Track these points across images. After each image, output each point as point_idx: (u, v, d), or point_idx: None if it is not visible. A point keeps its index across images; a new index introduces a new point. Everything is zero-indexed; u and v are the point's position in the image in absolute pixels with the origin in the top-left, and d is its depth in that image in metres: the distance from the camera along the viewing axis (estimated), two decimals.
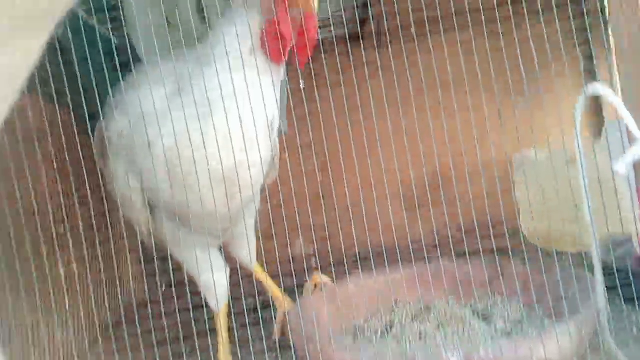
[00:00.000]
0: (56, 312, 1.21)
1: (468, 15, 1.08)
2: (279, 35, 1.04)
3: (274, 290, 1.50)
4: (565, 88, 1.52)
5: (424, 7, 1.09)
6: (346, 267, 1.23)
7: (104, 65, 1.08)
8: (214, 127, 1.03)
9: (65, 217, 1.28)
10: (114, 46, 1.52)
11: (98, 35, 1.52)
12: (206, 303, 1.30)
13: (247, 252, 1.43)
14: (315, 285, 1.43)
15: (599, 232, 1.55)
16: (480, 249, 1.16)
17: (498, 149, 1.26)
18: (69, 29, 1.07)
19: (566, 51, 1.16)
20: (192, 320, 1.20)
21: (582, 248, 1.71)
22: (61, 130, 1.12)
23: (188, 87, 1.05)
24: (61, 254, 1.17)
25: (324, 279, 1.43)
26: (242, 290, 1.16)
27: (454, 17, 1.08)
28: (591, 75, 2.03)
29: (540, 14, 1.12)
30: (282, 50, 1.05)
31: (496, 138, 1.29)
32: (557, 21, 1.12)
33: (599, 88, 0.82)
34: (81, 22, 1.39)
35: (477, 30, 1.16)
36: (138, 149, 1.08)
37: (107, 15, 1.30)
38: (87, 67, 1.08)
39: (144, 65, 1.17)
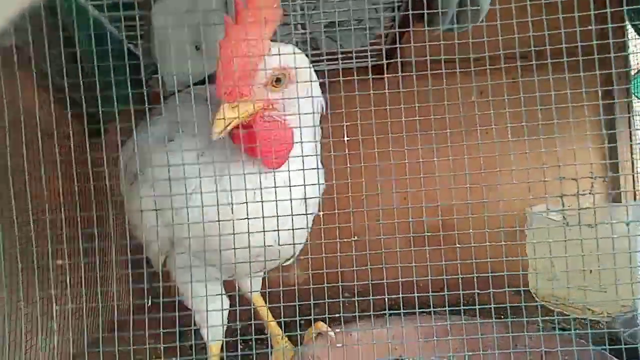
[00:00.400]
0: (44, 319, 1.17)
1: (487, 60, 1.06)
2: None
3: (273, 327, 1.46)
4: (582, 141, 1.47)
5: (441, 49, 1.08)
6: (340, 303, 1.18)
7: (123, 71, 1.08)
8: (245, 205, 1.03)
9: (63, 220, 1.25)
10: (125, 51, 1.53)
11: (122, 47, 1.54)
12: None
13: (249, 283, 1.42)
14: (318, 334, 1.38)
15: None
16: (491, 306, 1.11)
17: (509, 201, 1.21)
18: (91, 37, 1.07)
19: (588, 107, 1.12)
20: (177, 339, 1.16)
21: (591, 315, 1.66)
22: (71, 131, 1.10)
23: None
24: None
25: (324, 327, 1.38)
26: (238, 322, 1.13)
27: (471, 61, 1.06)
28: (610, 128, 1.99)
29: (565, 68, 1.09)
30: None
31: (508, 189, 1.24)
32: (582, 76, 1.10)
33: None
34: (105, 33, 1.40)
35: (495, 76, 1.13)
36: (168, 205, 1.08)
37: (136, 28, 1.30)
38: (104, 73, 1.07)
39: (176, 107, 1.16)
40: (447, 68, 1.07)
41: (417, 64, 1.07)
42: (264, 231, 1.04)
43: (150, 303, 1.54)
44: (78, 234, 1.13)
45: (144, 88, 1.06)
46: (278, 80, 1.05)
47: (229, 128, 0.99)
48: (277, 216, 1.04)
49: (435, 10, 1.20)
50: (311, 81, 1.10)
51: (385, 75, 1.66)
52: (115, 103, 1.07)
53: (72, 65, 1.12)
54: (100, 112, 1.09)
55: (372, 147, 1.09)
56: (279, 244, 1.09)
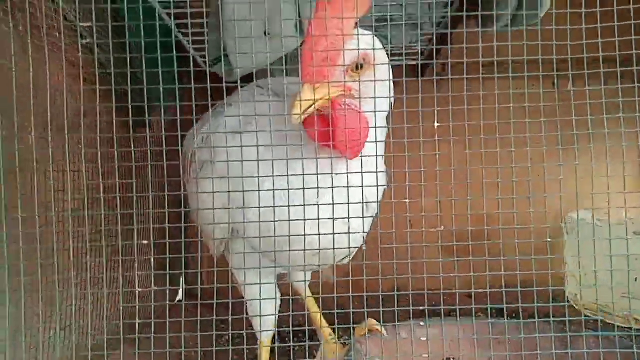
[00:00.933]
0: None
1: (540, 65, 1.03)
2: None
3: (323, 326, 1.48)
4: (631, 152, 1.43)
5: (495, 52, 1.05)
6: (381, 309, 1.17)
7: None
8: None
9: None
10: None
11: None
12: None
13: (304, 281, 1.45)
14: (370, 331, 1.38)
15: None
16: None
17: (551, 205, 1.18)
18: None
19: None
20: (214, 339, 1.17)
21: (636, 324, 1.62)
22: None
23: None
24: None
25: (376, 325, 1.38)
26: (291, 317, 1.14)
27: (526, 64, 1.03)
28: None
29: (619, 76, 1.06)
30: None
31: (551, 192, 1.21)
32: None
33: None
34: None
35: (546, 84, 1.10)
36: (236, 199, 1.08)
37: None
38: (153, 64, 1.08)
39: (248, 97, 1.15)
40: (487, 72, 1.05)
41: (461, 66, 1.03)
42: (333, 233, 1.04)
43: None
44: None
45: (208, 74, 1.06)
46: (358, 67, 1.02)
47: (309, 111, 0.97)
48: (349, 218, 1.04)
49: (490, 13, 1.16)
50: (388, 79, 1.09)
51: (429, 77, 1.62)
52: (162, 97, 1.08)
53: (120, 54, 1.14)
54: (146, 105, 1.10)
55: (413, 150, 1.07)
56: (348, 245, 1.08)
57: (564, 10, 1.03)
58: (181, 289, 1.90)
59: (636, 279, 1.23)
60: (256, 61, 1.12)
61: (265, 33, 1.12)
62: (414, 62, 1.78)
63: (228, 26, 1.14)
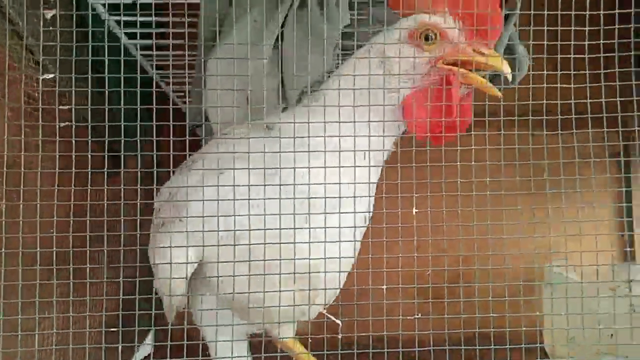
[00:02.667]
0: None
1: (515, 116, 1.06)
2: (442, 108, 0.97)
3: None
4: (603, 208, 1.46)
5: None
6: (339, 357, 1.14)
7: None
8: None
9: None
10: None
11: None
12: None
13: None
14: None
15: None
16: None
17: (527, 255, 1.19)
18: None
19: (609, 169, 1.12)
20: None
21: None
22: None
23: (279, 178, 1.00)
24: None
25: None
26: None
27: (502, 116, 1.05)
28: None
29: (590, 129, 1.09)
30: (429, 125, 0.99)
31: (527, 243, 1.22)
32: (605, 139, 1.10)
33: None
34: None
35: (521, 135, 1.12)
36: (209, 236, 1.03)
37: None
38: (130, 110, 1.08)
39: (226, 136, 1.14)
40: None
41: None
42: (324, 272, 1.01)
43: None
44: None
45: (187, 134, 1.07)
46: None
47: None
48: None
49: None
50: None
51: None
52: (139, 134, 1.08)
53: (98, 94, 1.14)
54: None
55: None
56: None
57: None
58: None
59: (611, 335, 1.23)
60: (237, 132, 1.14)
61: (247, 101, 1.15)
62: None
63: (210, 95, 1.16)
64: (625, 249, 2.01)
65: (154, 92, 1.08)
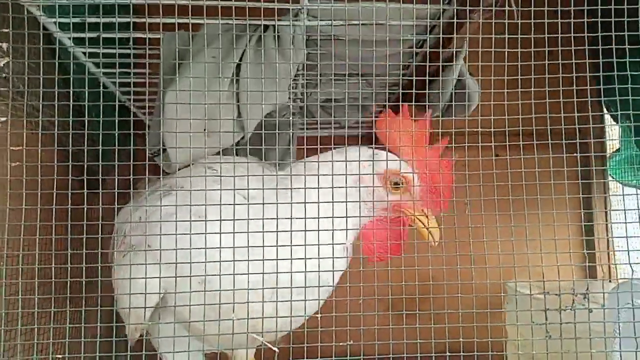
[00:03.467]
0: None
1: (479, 136, 1.13)
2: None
3: None
4: (564, 225, 1.53)
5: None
6: None
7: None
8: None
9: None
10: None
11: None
12: None
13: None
14: None
15: None
16: None
17: (493, 272, 1.24)
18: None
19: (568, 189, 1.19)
20: None
21: None
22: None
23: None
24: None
25: None
26: None
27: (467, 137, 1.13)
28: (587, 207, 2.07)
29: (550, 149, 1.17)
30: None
31: (494, 260, 1.28)
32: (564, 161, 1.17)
33: None
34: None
35: (485, 153, 1.20)
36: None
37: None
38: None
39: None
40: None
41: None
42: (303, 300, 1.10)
43: None
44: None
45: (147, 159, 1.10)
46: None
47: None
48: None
49: (423, 104, 1.33)
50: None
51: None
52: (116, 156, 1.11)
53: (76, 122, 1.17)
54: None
55: None
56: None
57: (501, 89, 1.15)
58: None
59: (568, 351, 1.28)
60: (193, 156, 1.21)
61: (204, 130, 1.21)
62: (355, 133, 1.90)
63: (168, 123, 1.20)
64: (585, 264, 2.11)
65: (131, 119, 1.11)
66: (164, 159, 1.35)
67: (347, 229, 1.18)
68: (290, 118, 1.57)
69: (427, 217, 1.21)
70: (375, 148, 1.23)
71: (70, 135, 1.14)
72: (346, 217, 1.14)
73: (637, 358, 1.01)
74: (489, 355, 1.26)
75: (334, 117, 1.54)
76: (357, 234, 1.24)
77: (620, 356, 1.25)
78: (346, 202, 1.12)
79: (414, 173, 1.20)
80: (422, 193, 1.20)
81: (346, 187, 1.13)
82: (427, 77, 1.31)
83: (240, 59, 1.23)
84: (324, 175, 1.12)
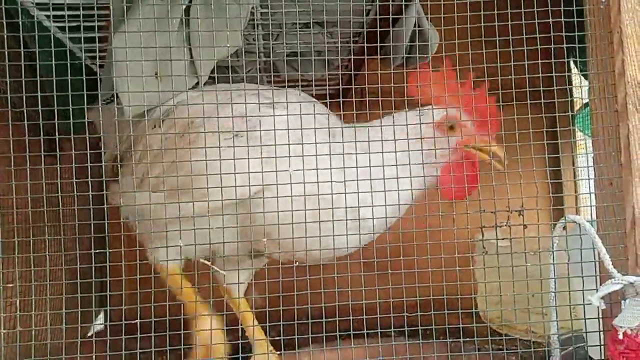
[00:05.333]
0: None
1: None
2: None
3: (258, 331, 1.42)
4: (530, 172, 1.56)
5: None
6: (295, 328, 1.19)
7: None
8: None
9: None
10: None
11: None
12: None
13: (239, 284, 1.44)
14: None
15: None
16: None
17: (461, 224, 1.26)
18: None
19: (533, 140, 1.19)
20: None
21: (533, 337, 1.73)
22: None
23: None
24: None
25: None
26: None
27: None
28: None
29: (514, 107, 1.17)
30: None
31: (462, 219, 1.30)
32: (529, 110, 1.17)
33: (577, 218, 0.84)
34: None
35: None
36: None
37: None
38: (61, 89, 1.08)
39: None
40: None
41: (375, 96, 1.14)
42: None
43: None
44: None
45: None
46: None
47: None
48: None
49: (386, 53, 1.36)
50: None
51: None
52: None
53: (30, 79, 1.13)
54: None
55: None
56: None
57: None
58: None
59: (533, 295, 1.32)
60: (147, 101, 1.18)
61: (155, 74, 1.18)
62: (336, 87, 1.88)
63: (118, 67, 1.17)
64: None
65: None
66: (117, 104, 1.30)
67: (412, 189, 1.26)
68: (257, 74, 1.54)
69: (489, 142, 1.28)
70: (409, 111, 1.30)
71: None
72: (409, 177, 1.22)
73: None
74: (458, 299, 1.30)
75: (300, 72, 1.51)
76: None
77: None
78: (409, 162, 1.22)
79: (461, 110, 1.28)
80: (475, 125, 1.29)
81: (408, 150, 1.21)
82: (390, 16, 1.30)
83: (191, 1, 1.20)
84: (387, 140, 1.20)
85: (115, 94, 1.29)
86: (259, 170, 1.15)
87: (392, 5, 1.26)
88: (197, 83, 1.28)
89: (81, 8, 1.24)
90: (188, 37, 1.22)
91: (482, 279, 1.79)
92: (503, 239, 1.74)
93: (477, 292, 1.85)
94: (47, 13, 1.26)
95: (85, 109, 1.25)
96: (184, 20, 1.21)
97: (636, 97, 0.82)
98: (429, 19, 1.36)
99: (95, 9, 1.22)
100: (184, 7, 1.20)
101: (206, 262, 1.27)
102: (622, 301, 0.84)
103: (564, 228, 0.91)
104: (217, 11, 1.18)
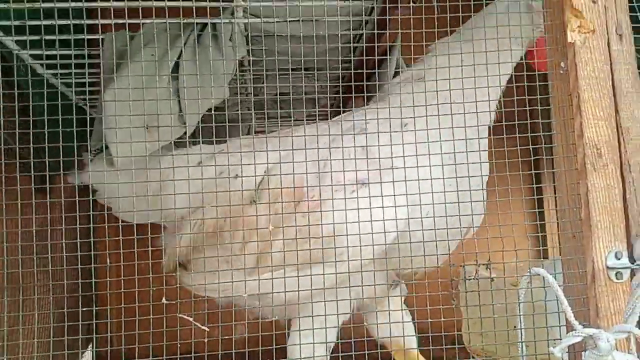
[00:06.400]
0: None
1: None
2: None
3: None
4: (512, 209, 1.59)
5: None
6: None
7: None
8: None
9: None
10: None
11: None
12: None
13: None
14: None
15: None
16: None
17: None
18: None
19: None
20: None
21: None
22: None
23: None
24: None
25: None
26: None
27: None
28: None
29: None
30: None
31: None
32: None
33: (541, 271, 0.87)
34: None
35: None
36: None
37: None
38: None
39: None
40: None
41: None
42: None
43: None
44: None
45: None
46: None
47: None
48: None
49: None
50: None
51: None
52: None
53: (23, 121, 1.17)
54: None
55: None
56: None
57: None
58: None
59: (515, 327, 1.35)
60: (135, 150, 1.22)
61: (146, 126, 1.23)
62: None
63: (108, 120, 1.22)
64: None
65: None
66: (106, 155, 1.36)
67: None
68: (239, 111, 1.59)
69: None
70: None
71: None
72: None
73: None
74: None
75: (284, 110, 1.59)
76: None
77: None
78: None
79: None
80: None
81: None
82: (364, 70, 1.33)
83: (180, 57, 1.26)
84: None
85: (104, 145, 1.34)
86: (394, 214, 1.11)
87: (377, 47, 1.31)
88: (185, 133, 1.32)
89: (73, 57, 1.29)
90: (177, 90, 1.27)
91: (464, 310, 1.82)
92: (485, 278, 1.77)
93: (463, 325, 1.87)
94: (41, 62, 1.33)
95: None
96: (170, 77, 1.27)
97: (594, 157, 0.86)
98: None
99: (86, 58, 1.29)
100: (172, 63, 1.25)
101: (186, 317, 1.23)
102: (583, 352, 0.86)
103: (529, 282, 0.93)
104: (204, 66, 1.23)
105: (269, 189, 1.20)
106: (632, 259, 0.87)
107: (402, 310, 1.43)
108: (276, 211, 1.17)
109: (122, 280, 1.24)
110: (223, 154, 1.29)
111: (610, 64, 0.89)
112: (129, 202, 1.20)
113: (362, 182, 1.15)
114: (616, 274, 0.86)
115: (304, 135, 1.23)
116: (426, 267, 1.17)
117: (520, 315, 0.96)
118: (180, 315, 1.18)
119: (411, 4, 1.19)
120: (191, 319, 1.20)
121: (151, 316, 1.12)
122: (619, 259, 0.86)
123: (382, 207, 1.09)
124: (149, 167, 1.24)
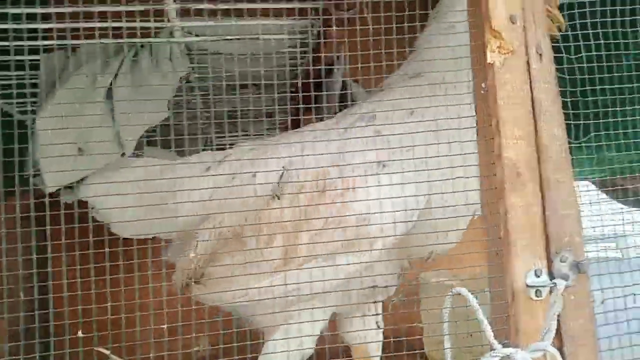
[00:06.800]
0: None
1: None
2: None
3: None
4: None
5: None
6: None
7: None
8: None
9: None
10: None
11: None
12: None
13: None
14: None
15: None
16: None
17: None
18: None
19: None
20: None
21: None
22: None
23: None
24: None
25: None
26: None
27: None
28: None
29: None
30: None
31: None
32: None
33: (462, 290, 0.88)
34: None
35: None
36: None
37: None
38: None
39: None
40: None
41: None
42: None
43: None
44: None
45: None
46: None
47: None
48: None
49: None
50: None
51: None
52: None
53: None
54: None
55: None
56: None
57: None
58: None
59: (471, 335, 1.36)
60: (67, 178, 1.24)
61: (79, 150, 1.24)
62: None
63: (40, 148, 1.23)
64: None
65: None
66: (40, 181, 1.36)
67: None
68: (199, 124, 1.60)
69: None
70: None
71: None
72: None
73: None
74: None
75: (241, 128, 1.61)
76: None
77: None
78: None
79: None
80: None
81: None
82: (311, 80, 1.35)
83: (115, 79, 1.26)
84: None
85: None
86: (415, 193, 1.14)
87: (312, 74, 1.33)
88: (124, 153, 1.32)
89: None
90: (112, 112, 1.27)
91: (424, 317, 1.84)
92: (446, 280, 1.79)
93: (423, 332, 1.89)
94: None
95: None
96: (105, 102, 1.27)
97: (512, 177, 0.87)
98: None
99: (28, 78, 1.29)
100: (106, 87, 1.26)
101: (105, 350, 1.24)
102: None
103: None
104: (140, 88, 1.24)
105: (291, 182, 1.20)
106: (551, 276, 0.88)
107: (376, 314, 1.44)
108: (299, 203, 1.18)
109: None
110: (232, 160, 1.33)
111: (530, 83, 0.90)
112: (134, 215, 1.20)
113: (383, 162, 1.18)
114: (536, 292, 0.87)
115: (317, 130, 1.29)
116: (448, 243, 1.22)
117: (445, 335, 0.96)
118: (97, 349, 1.18)
119: (345, 22, 1.20)
120: (108, 352, 1.20)
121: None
122: (539, 277, 0.87)
123: (404, 184, 1.11)
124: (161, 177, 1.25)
